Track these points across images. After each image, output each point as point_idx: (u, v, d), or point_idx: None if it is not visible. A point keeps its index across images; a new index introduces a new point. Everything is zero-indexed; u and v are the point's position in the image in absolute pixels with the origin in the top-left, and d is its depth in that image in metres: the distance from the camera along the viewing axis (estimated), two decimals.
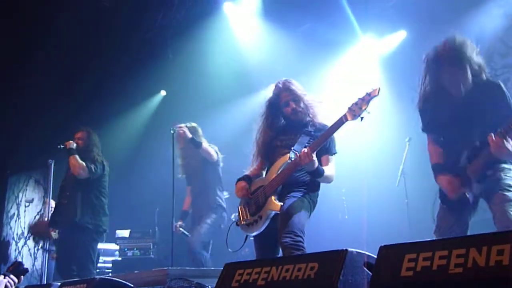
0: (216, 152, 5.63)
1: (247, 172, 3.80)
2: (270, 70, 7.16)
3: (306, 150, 3.28)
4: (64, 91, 8.11)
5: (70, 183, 5.56)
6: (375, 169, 7.10)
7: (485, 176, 3.21)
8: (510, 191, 3.12)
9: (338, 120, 3.31)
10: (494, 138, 3.02)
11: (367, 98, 3.20)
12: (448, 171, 3.33)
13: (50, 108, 8.11)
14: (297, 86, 3.73)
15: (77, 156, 5.46)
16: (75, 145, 5.57)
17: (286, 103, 3.69)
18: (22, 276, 3.28)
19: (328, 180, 3.55)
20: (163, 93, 9.63)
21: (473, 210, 3.34)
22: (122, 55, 8.19)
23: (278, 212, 3.40)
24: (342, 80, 7.76)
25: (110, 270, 7.34)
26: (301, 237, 3.28)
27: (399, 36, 7.61)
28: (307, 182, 3.53)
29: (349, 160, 7.09)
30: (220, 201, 5.58)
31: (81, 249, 5.31)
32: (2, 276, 3.17)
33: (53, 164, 6.00)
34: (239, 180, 3.76)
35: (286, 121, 3.79)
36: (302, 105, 3.68)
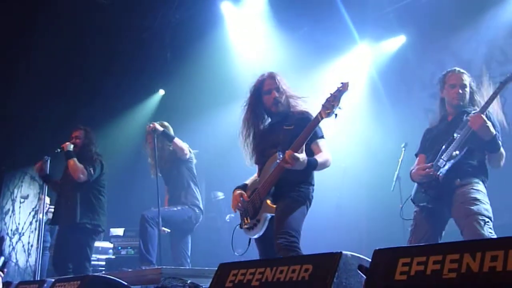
0: (189, 149, 5.57)
1: (246, 181, 3.78)
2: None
3: (288, 152, 3.22)
4: (61, 88, 8.11)
5: (68, 183, 5.53)
6: (371, 174, 7.12)
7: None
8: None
9: (315, 118, 3.27)
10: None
11: (338, 94, 3.15)
12: None
13: (46, 105, 8.11)
14: (283, 79, 3.70)
15: (75, 160, 5.41)
16: (72, 146, 5.54)
17: (268, 91, 3.64)
18: (4, 270, 3.29)
19: (325, 166, 3.46)
20: (161, 92, 9.62)
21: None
22: (120, 54, 8.20)
23: (274, 214, 3.39)
24: (338, 85, 7.75)
25: (104, 268, 7.32)
26: (296, 237, 3.25)
27: (398, 41, 7.63)
28: (299, 180, 3.47)
29: (345, 165, 7.13)
30: (195, 200, 5.52)
31: (79, 248, 5.30)
32: None
33: (49, 161, 5.98)
34: (236, 189, 3.73)
35: (268, 116, 3.75)
36: (284, 97, 3.63)
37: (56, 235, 5.82)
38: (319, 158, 3.40)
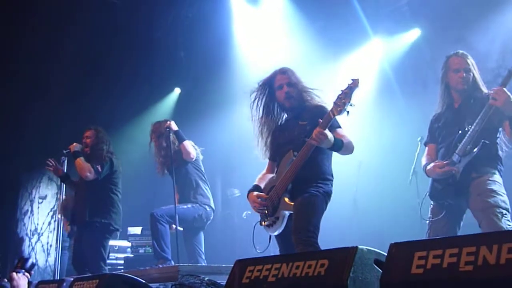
0: (195, 149, 5.58)
1: (256, 181, 3.79)
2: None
3: (318, 129, 3.20)
4: (77, 89, 8.20)
5: (81, 183, 5.63)
6: (387, 168, 7.09)
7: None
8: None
9: (326, 115, 3.26)
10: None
11: (349, 92, 3.13)
12: None
13: (62, 105, 8.20)
14: (294, 73, 3.68)
15: (82, 158, 5.50)
16: (79, 146, 5.64)
17: (280, 86, 3.64)
18: (32, 272, 3.36)
19: (350, 148, 3.43)
20: (177, 90, 9.67)
21: None
22: (134, 54, 8.26)
23: (292, 211, 3.39)
24: (349, 81, 7.73)
25: (122, 267, 7.40)
26: (314, 232, 3.26)
27: (413, 34, 7.57)
28: (317, 176, 3.48)
29: (361, 159, 7.11)
30: (204, 199, 5.53)
31: (92, 246, 5.37)
32: (17, 274, 3.23)
33: (66, 161, 6.07)
34: (249, 192, 3.72)
35: (283, 111, 3.75)
36: (296, 91, 3.62)
37: (75, 234, 5.92)
38: (344, 139, 3.39)
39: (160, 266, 4.64)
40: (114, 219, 5.53)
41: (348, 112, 3.16)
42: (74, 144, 5.64)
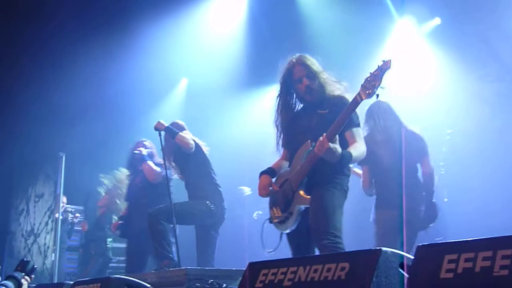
0: (193, 139, 5.58)
1: (271, 165, 3.79)
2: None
3: (321, 139, 3.20)
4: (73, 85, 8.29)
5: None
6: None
7: None
8: None
9: (353, 100, 3.24)
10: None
11: (379, 73, 3.12)
12: None
13: (60, 100, 8.26)
14: (313, 62, 3.64)
15: (151, 162, 5.82)
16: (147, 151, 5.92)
17: (299, 79, 3.60)
18: (32, 275, 3.40)
19: (359, 160, 3.45)
20: (184, 80, 9.68)
21: None
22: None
23: (308, 206, 3.38)
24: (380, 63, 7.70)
25: (124, 270, 7.45)
26: (339, 237, 3.26)
27: (436, 21, 7.60)
28: (334, 170, 3.44)
29: None
30: (207, 193, 5.48)
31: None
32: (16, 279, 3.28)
33: (64, 157, 6.11)
34: (262, 174, 3.71)
35: (301, 102, 3.73)
36: (316, 82, 3.58)
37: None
38: (354, 151, 3.36)
39: (166, 269, 4.65)
40: None
41: (377, 95, 3.16)
42: (141, 148, 5.88)
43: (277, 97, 3.77)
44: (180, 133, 5.46)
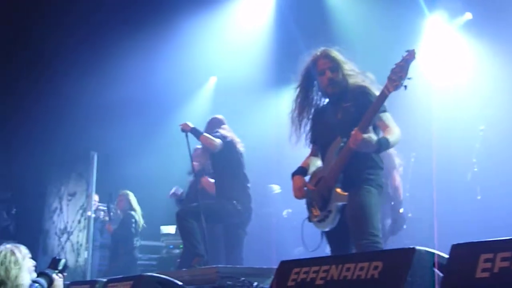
0: (226, 137, 5.60)
1: (301, 163, 3.79)
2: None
3: (353, 132, 3.19)
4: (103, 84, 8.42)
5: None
6: (443, 160, 6.93)
7: None
8: None
9: (381, 93, 3.21)
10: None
11: (405, 64, 3.09)
12: None
13: (91, 98, 8.40)
14: (338, 55, 3.62)
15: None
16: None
17: (322, 71, 3.58)
18: (65, 273, 3.49)
19: (397, 143, 3.40)
20: (213, 79, 9.74)
21: None
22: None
23: (346, 202, 3.37)
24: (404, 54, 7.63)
25: (155, 268, 7.54)
26: (378, 236, 3.26)
27: (467, 16, 7.48)
28: (368, 165, 3.44)
29: (413, 152, 6.99)
30: (233, 193, 5.49)
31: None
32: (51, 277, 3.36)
33: (95, 156, 6.21)
34: (294, 175, 3.72)
35: (323, 95, 3.71)
36: (340, 75, 3.56)
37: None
38: (390, 136, 3.32)
39: (197, 266, 4.71)
40: None
41: (405, 86, 3.12)
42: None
43: (297, 87, 3.76)
44: (204, 134, 5.50)
